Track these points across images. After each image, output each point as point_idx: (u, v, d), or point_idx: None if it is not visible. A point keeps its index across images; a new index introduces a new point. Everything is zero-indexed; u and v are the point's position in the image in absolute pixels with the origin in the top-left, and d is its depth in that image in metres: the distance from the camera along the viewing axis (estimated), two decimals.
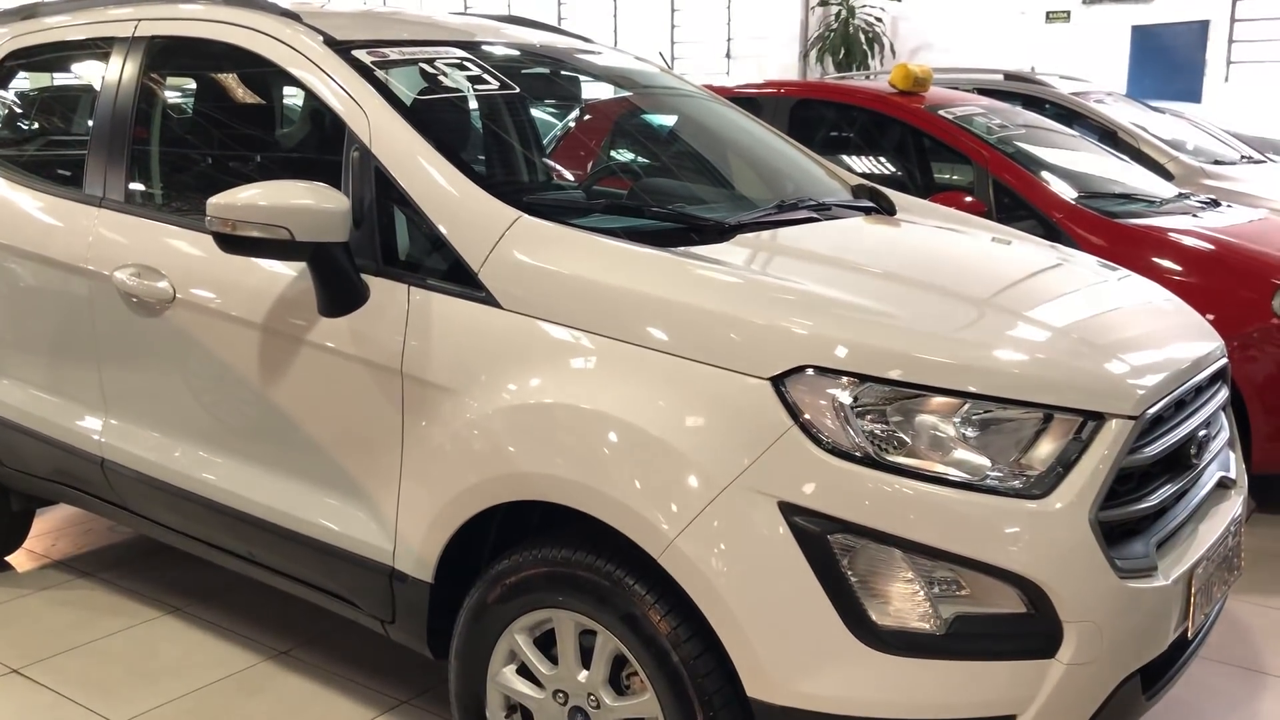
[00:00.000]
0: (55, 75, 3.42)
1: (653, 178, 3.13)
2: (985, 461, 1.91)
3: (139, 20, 3.02)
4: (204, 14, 2.87)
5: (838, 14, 12.09)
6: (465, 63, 2.77)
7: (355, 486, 2.44)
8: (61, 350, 3.07)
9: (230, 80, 2.98)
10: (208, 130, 3.01)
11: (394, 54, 2.69)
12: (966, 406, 1.94)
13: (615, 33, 14.41)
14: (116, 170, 2.93)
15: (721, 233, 2.42)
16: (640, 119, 3.50)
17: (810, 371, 1.93)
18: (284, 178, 2.46)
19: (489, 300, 2.22)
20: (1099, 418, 1.97)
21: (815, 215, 2.71)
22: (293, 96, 2.64)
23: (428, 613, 2.35)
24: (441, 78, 2.69)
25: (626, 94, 3.43)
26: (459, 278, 2.26)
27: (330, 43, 2.63)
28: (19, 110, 3.46)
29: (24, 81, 3.49)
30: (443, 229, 2.30)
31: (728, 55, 13.48)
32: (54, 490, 3.29)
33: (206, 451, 2.75)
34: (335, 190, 2.33)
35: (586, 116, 4.44)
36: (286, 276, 2.48)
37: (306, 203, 2.27)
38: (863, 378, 1.92)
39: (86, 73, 3.22)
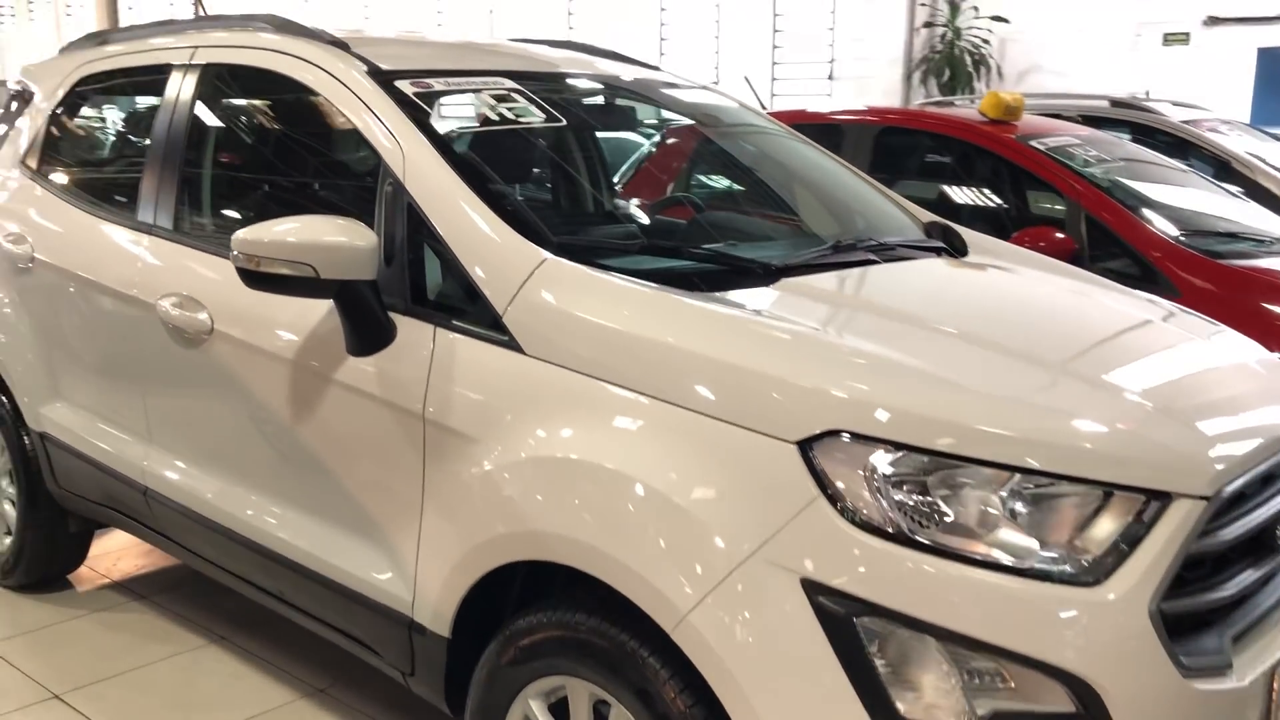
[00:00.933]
0: (119, 101, 3.45)
1: (705, 214, 2.99)
2: (1034, 543, 1.73)
3: (196, 48, 3.01)
4: (255, 42, 2.84)
5: (943, 35, 11.78)
6: (514, 94, 2.68)
7: (378, 532, 2.36)
8: (112, 377, 3.07)
9: (275, 109, 2.94)
10: (251, 159, 2.98)
11: (439, 84, 2.62)
12: (1016, 479, 1.76)
13: (717, 54, 14.31)
14: (166, 197, 2.92)
15: (766, 276, 2.28)
16: (700, 152, 3.37)
17: (845, 437, 1.77)
18: (323, 210, 2.41)
19: (512, 345, 2.11)
20: (1164, 497, 1.77)
21: (873, 257, 2.55)
22: (335, 127, 2.58)
23: (445, 668, 2.25)
24: (486, 109, 2.60)
25: (687, 126, 3.31)
26: (484, 320, 2.17)
27: (374, 73, 2.57)
28: (85, 135, 3.50)
29: (92, 107, 3.52)
30: (469, 268, 2.20)
31: (830, 77, 13.24)
32: (106, 515, 3.29)
33: (240, 487, 2.70)
34: (364, 226, 2.26)
35: (643, 151, 4.34)
36: (318, 312, 2.41)
37: (332, 239, 2.20)
38: (902, 446, 1.76)
39: (146, 100, 3.23)
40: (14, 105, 3.76)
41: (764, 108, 5.80)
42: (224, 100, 2.98)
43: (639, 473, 1.88)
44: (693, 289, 2.15)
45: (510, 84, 2.71)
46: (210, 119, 2.96)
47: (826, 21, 13.05)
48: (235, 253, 2.24)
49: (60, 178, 3.41)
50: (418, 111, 2.47)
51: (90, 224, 3.18)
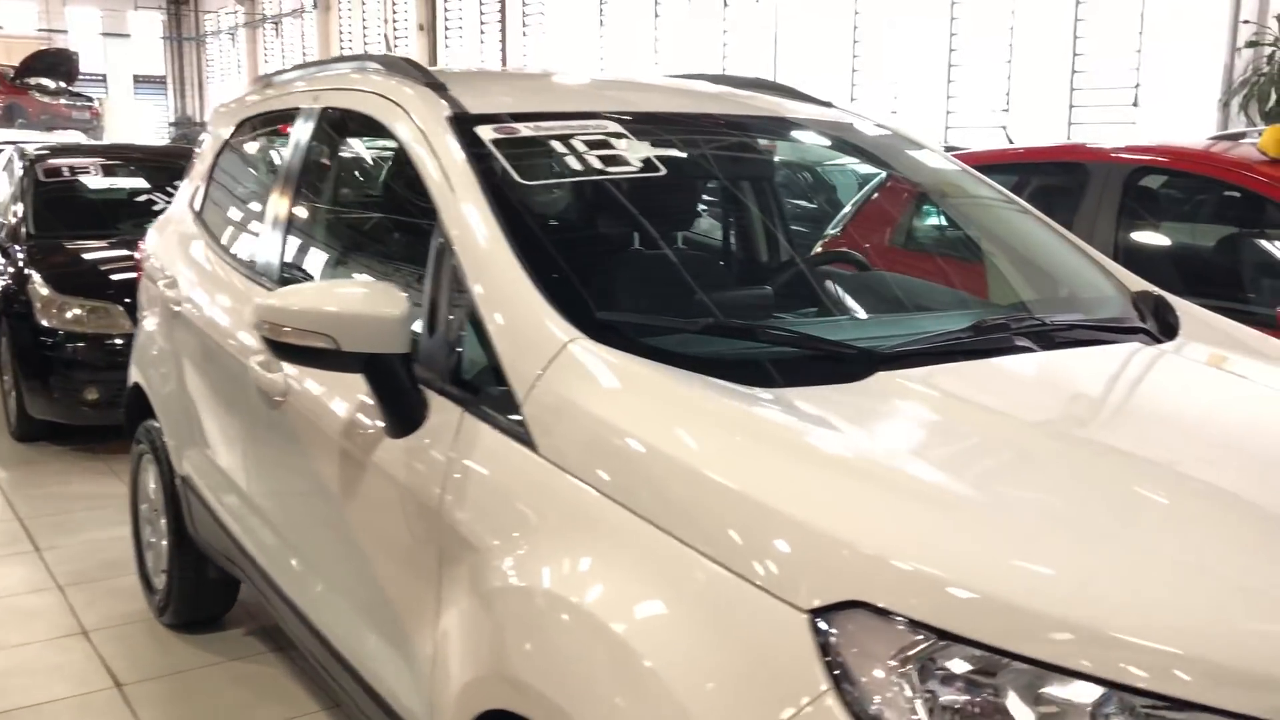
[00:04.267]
0: (260, 148, 3.39)
1: (824, 280, 2.50)
2: None
3: (320, 90, 2.88)
4: (360, 84, 2.65)
5: (1270, 55, 10.36)
6: (617, 139, 2.33)
7: (405, 643, 2.07)
8: (226, 432, 2.98)
9: (364, 157, 2.74)
10: (340, 209, 2.80)
11: (527, 129, 2.32)
12: (1120, 698, 1.24)
13: (1009, 79, 13.36)
14: (273, 248, 2.80)
15: (862, 366, 1.82)
16: (844, 197, 2.88)
17: (872, 612, 1.31)
18: (394, 267, 2.17)
19: (527, 441, 1.78)
20: None
21: (1028, 343, 2.01)
22: (412, 176, 2.33)
23: None
24: (574, 157, 2.28)
25: (834, 176, 2.85)
26: (507, 407, 1.84)
27: (456, 117, 2.30)
28: (232, 181, 3.47)
29: (242, 153, 3.49)
30: (496, 344, 1.89)
31: (1134, 104, 12.01)
32: (229, 566, 3.22)
33: (306, 566, 2.52)
34: (396, 293, 1.99)
35: (862, 195, 3.86)
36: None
37: (354, 309, 1.95)
38: (948, 636, 1.28)
39: (277, 146, 3.13)
40: (199, 147, 3.83)
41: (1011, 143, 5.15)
42: (328, 147, 2.82)
43: (626, 629, 1.49)
44: (760, 382, 1.74)
45: (617, 128, 2.37)
46: (313, 166, 2.81)
47: (1133, 44, 11.86)
48: (257, 320, 2.04)
49: (210, 223, 3.39)
50: (487, 159, 2.18)
51: (220, 271, 3.12)
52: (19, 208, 6.55)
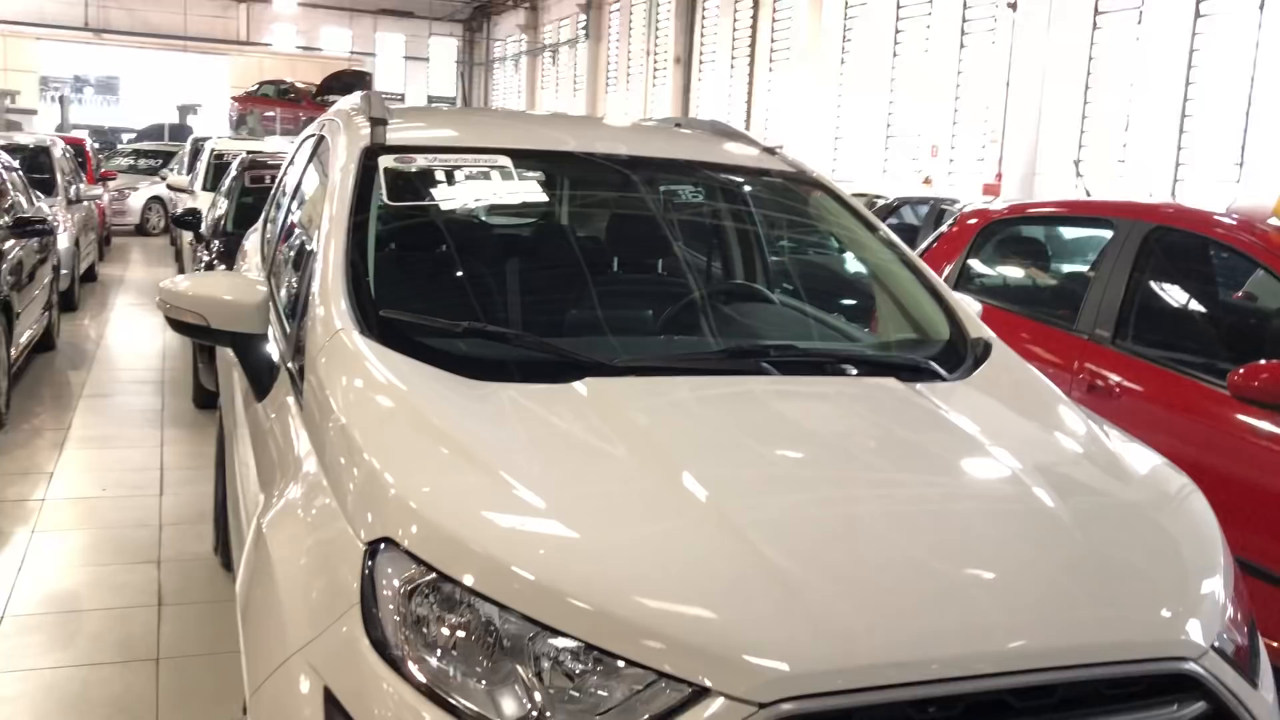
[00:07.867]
0: (294, 164, 3.97)
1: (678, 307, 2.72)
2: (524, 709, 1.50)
3: (325, 120, 3.42)
4: (338, 117, 3.14)
5: None
6: (498, 172, 2.73)
7: None
8: (234, 395, 3.55)
9: (326, 176, 3.22)
10: (304, 218, 3.27)
11: (423, 160, 2.75)
12: (570, 645, 1.54)
13: (1178, 153, 12.58)
14: (270, 246, 3.39)
15: (576, 371, 2.14)
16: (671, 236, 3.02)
17: (395, 549, 1.67)
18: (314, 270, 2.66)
19: (300, 404, 2.21)
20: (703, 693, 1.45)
21: (770, 369, 2.25)
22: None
23: None
24: (447, 187, 2.69)
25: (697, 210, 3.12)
26: (301, 378, 2.28)
27: (371, 147, 2.73)
28: (279, 192, 4.09)
29: (291, 168, 4.09)
30: (307, 328, 2.33)
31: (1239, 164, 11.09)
32: None
33: (235, 508, 3.05)
34: (255, 285, 2.48)
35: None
36: None
37: (218, 295, 2.44)
38: (440, 574, 1.62)
39: (297, 165, 3.71)
40: None
41: (1088, 195, 5.13)
42: (314, 167, 3.31)
43: (276, 554, 1.90)
44: (489, 377, 2.10)
45: (506, 163, 2.75)
46: (304, 182, 3.34)
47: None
48: (159, 299, 2.56)
49: (266, 225, 4.06)
50: (370, 181, 2.61)
51: (256, 262, 3.75)
52: (225, 206, 7.60)
